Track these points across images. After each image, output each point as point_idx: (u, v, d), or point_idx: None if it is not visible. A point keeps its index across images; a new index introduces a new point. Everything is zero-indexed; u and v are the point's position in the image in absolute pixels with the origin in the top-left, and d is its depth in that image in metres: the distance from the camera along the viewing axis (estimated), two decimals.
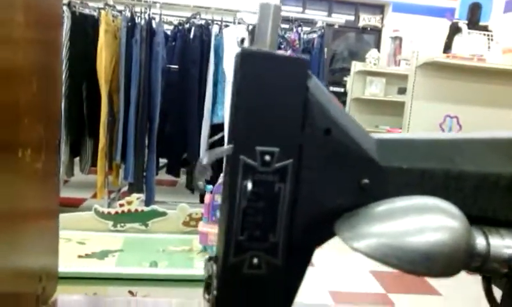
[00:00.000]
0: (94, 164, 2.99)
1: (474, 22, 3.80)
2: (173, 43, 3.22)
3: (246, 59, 0.36)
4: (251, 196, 0.36)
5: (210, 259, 0.41)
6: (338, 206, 0.38)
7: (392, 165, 0.38)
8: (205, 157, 0.37)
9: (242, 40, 0.41)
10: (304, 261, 0.40)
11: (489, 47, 3.53)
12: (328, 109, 0.37)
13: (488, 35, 3.66)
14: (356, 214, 0.37)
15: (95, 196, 3.14)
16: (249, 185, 0.36)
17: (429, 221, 0.34)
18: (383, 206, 0.36)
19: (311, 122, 0.37)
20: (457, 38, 3.53)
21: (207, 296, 0.41)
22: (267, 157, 0.36)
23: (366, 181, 0.37)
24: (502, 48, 3.56)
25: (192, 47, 2.99)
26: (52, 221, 0.56)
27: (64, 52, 2.76)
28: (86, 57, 2.86)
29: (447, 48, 3.68)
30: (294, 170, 0.37)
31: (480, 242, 0.36)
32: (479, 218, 0.37)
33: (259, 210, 0.37)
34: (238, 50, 0.37)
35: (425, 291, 2.56)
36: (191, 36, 3.03)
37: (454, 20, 3.92)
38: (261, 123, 0.36)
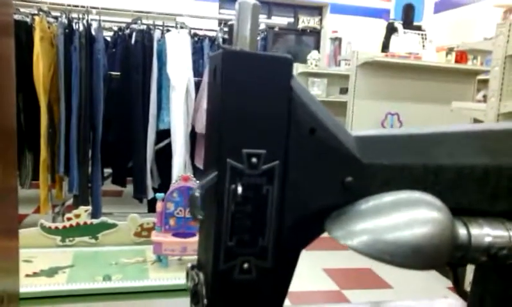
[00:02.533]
0: (35, 177, 2.87)
1: (409, 22, 3.97)
2: (114, 50, 3.14)
3: (228, 60, 0.35)
4: (239, 199, 0.35)
5: (193, 267, 0.40)
6: (324, 206, 0.38)
7: (373, 161, 0.39)
8: (197, 191, 0.36)
9: (224, 40, 0.39)
10: (292, 261, 0.40)
11: (423, 46, 3.69)
12: (312, 109, 0.37)
13: (422, 34, 3.83)
14: (344, 212, 0.37)
15: (37, 211, 3.01)
16: (239, 189, 0.35)
17: (416, 215, 0.34)
18: (370, 203, 0.37)
19: (296, 122, 0.37)
20: (393, 38, 3.66)
21: (193, 306, 0.40)
22: (254, 159, 0.36)
23: (349, 179, 0.38)
24: (436, 46, 3.73)
25: (134, 52, 2.93)
26: (13, 240, 0.53)
27: None
28: (20, 66, 2.73)
29: (385, 47, 3.82)
30: (280, 171, 0.36)
31: (462, 232, 0.37)
32: (456, 209, 0.38)
33: (248, 213, 0.36)
34: (218, 51, 0.36)
35: (377, 285, 2.63)
36: (132, 41, 2.97)
37: (390, 20, 4.07)
38: (246, 125, 0.35)
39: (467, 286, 0.48)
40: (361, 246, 0.34)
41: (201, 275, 0.39)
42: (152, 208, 3.00)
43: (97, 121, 2.80)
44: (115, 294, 0.88)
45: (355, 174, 0.38)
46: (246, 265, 0.37)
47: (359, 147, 0.39)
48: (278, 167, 0.36)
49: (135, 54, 2.91)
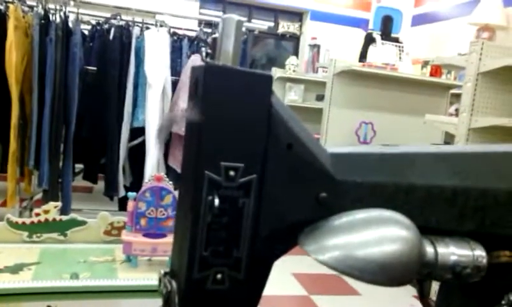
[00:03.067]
0: (3, 169, 2.80)
1: (387, 33, 4.03)
2: (91, 44, 3.10)
3: (211, 74, 0.36)
4: (216, 211, 0.36)
5: (166, 274, 0.40)
6: (297, 220, 0.39)
7: (346, 179, 0.39)
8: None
9: (207, 54, 0.39)
10: (264, 273, 0.40)
11: (400, 57, 3.75)
12: (290, 125, 0.38)
13: (399, 46, 3.90)
14: (317, 227, 0.38)
15: (3, 205, 2.94)
16: (216, 201, 0.36)
17: (386, 232, 0.35)
18: (343, 219, 0.37)
19: (274, 137, 0.37)
20: (371, 48, 3.71)
21: None
22: (232, 172, 0.36)
23: (323, 194, 0.39)
24: (412, 59, 3.80)
25: (112, 48, 2.89)
26: None
27: None
28: None
29: (362, 57, 3.87)
30: (257, 185, 0.37)
31: (429, 250, 0.38)
32: (425, 228, 0.39)
33: (223, 225, 0.37)
34: (199, 62, 0.36)
35: (345, 291, 2.66)
36: (111, 37, 2.93)
37: (369, 31, 4.13)
38: (226, 139, 0.36)
39: (433, 295, 0.50)
40: (332, 261, 0.34)
41: (174, 283, 0.39)
42: (122, 206, 2.96)
43: (71, 115, 2.75)
44: (82, 293, 0.87)
45: (329, 190, 0.39)
46: (219, 276, 0.38)
47: (334, 164, 0.40)
48: (255, 181, 0.37)
49: (112, 50, 2.87)
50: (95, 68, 2.94)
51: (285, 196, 0.38)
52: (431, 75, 3.89)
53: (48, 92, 2.67)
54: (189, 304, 0.38)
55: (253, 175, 0.37)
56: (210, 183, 0.36)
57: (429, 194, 0.40)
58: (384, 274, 0.34)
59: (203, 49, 0.35)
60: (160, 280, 0.41)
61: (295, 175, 0.38)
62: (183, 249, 0.38)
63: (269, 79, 0.37)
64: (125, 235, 1.00)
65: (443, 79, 3.99)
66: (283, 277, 2.73)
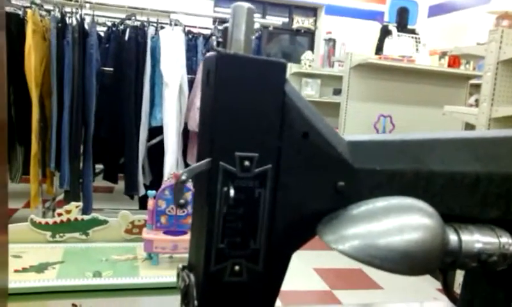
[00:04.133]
0: (25, 172, 2.84)
1: (403, 25, 3.98)
2: (107, 45, 3.13)
3: (223, 63, 0.35)
4: (231, 202, 0.35)
5: (184, 268, 0.40)
6: (315, 210, 0.38)
7: (364, 166, 0.39)
8: (184, 175, 0.36)
9: (218, 43, 0.38)
10: (283, 265, 0.40)
11: (417, 49, 3.71)
12: (305, 113, 0.37)
13: (416, 38, 3.85)
14: (336, 217, 0.37)
15: (27, 206, 2.99)
16: (232, 192, 0.35)
17: (407, 221, 0.35)
18: (362, 208, 0.37)
19: (289, 126, 0.37)
20: (387, 40, 3.67)
21: None
22: (247, 163, 0.36)
23: (341, 183, 0.38)
24: (429, 50, 3.75)
25: (128, 48, 2.91)
26: (2, 235, 0.53)
27: None
28: (11, 59, 2.69)
29: (379, 50, 3.83)
30: (273, 175, 0.37)
31: (453, 238, 0.37)
32: (447, 216, 0.38)
33: (240, 216, 0.36)
34: (211, 53, 0.36)
35: (367, 286, 2.65)
36: (126, 37, 2.95)
37: (384, 23, 4.09)
38: (240, 129, 0.35)
39: (457, 288, 0.49)
40: (352, 251, 0.34)
41: (192, 277, 0.39)
42: (143, 205, 2.99)
43: (89, 116, 2.78)
44: (106, 291, 0.87)
45: (347, 178, 0.38)
46: (237, 268, 0.37)
47: (351, 152, 0.39)
48: (271, 171, 0.37)
49: (128, 50, 2.90)
50: (111, 69, 2.97)
51: (302, 185, 0.38)
52: (449, 65, 3.83)
53: (67, 94, 2.71)
54: (207, 296, 0.38)
55: (268, 165, 0.36)
56: (225, 174, 0.35)
57: (450, 180, 0.40)
58: (405, 262, 0.33)
59: (214, 38, 0.34)
60: (178, 274, 0.41)
61: (311, 164, 0.38)
62: (200, 241, 0.38)
63: (282, 67, 0.36)
64: (146, 233, 1.01)
65: (462, 70, 3.93)
66: (305, 272, 2.73)
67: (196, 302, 0.38)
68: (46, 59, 2.74)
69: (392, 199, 0.37)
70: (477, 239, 0.38)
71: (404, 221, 0.35)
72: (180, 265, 0.41)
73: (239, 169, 0.36)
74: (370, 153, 0.40)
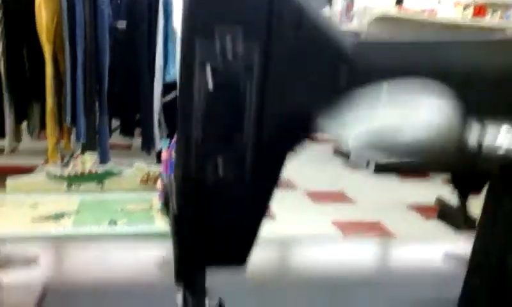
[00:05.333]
0: (43, 127, 2.86)
1: None
2: (119, 1, 3.08)
3: None
4: (212, 89, 0.30)
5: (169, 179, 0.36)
6: (312, 106, 0.33)
7: (371, 64, 0.34)
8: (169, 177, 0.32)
9: None
10: (275, 169, 0.34)
11: (439, 0, 3.58)
12: (298, 1, 0.32)
13: None
14: (339, 111, 0.33)
15: (47, 162, 3.03)
16: (210, 80, 0.30)
17: (421, 113, 0.31)
18: (367, 101, 0.33)
19: (279, 16, 0.31)
20: None
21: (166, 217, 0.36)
22: (229, 41, 0.30)
23: (342, 82, 0.33)
24: (454, 1, 3.62)
25: (140, 3, 2.87)
26: None
27: None
28: (22, 15, 2.68)
29: (399, 2, 3.72)
30: (261, 60, 0.31)
31: (472, 137, 0.34)
32: (466, 116, 0.34)
33: (222, 103, 0.31)
34: None
35: (385, 237, 2.65)
36: None
37: None
38: (220, 7, 0.30)
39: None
40: (360, 143, 0.31)
41: (173, 185, 0.34)
42: (160, 160, 3.01)
43: (103, 72, 2.76)
44: (121, 237, 0.88)
45: (349, 77, 0.33)
46: (220, 167, 0.32)
47: (356, 49, 0.34)
48: (258, 53, 0.31)
49: (140, 5, 2.85)
50: (124, 25, 2.93)
51: (295, 79, 0.32)
52: (474, 15, 3.68)
53: (80, 50, 2.69)
54: (187, 199, 0.33)
55: (255, 47, 0.31)
56: (203, 52, 0.30)
57: (470, 78, 0.35)
58: (418, 154, 0.30)
59: None
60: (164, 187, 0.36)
61: (305, 59, 0.32)
62: (180, 140, 0.33)
63: None
64: (161, 183, 1.00)
65: (488, 21, 3.78)
66: (323, 224, 2.71)
67: (174, 206, 0.34)
68: (57, 16, 2.71)
69: (404, 93, 0.32)
70: (500, 142, 0.34)
71: (418, 113, 0.31)
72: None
73: (219, 48, 0.30)
74: (376, 49, 0.35)
